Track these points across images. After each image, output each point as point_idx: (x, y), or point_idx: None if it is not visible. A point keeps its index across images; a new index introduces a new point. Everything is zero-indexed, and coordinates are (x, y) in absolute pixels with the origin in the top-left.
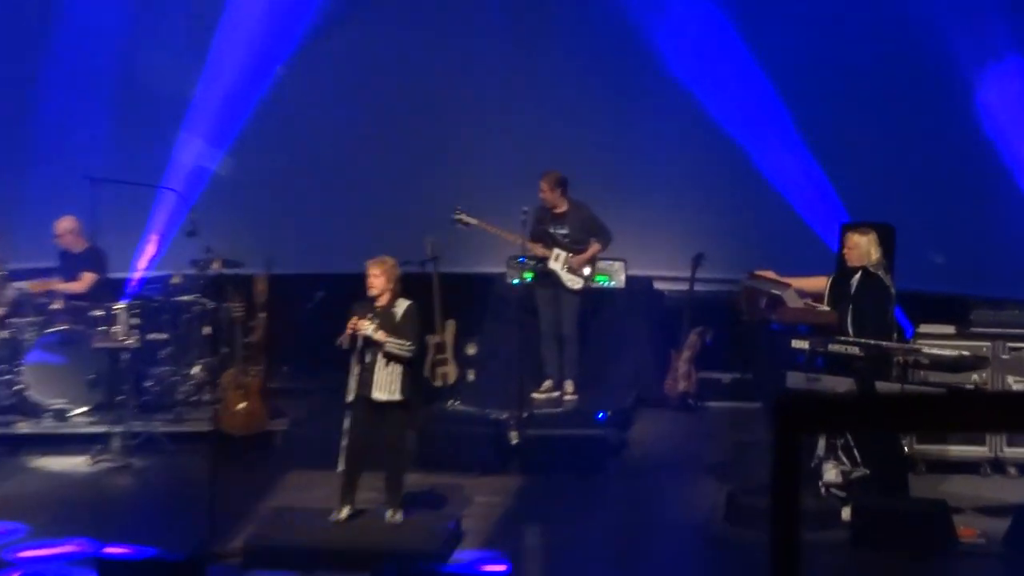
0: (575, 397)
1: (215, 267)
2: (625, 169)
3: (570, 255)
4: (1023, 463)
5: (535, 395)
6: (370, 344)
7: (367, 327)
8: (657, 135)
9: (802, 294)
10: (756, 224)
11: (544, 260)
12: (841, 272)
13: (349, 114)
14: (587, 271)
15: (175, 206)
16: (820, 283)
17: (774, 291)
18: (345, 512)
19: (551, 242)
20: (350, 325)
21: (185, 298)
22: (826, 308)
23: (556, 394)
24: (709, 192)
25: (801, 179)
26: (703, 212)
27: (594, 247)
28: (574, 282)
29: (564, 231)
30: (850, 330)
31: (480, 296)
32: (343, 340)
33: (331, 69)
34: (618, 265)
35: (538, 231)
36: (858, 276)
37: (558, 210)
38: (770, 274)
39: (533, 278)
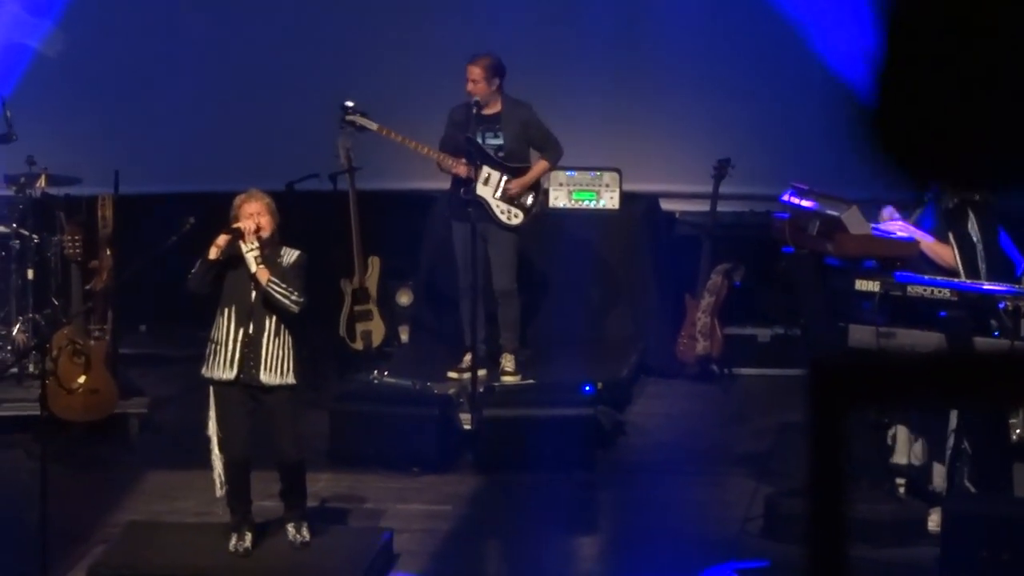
0: (517, 378)
1: (40, 185)
2: (619, 44)
3: (506, 177)
4: None
5: (452, 374)
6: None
7: (247, 249)
8: None
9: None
10: (806, 118)
11: (469, 183)
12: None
13: None
14: (530, 200)
15: None
16: (947, 252)
17: (830, 211)
18: (249, 539)
19: (479, 157)
20: (221, 240)
21: None
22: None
23: (467, 376)
24: (740, 73)
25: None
26: (731, 102)
27: (540, 165)
28: (512, 216)
29: (498, 141)
30: (960, 270)
31: (416, 224)
32: (214, 251)
33: None
34: (610, 177)
35: (457, 141)
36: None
37: (489, 111)
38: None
39: (453, 207)
